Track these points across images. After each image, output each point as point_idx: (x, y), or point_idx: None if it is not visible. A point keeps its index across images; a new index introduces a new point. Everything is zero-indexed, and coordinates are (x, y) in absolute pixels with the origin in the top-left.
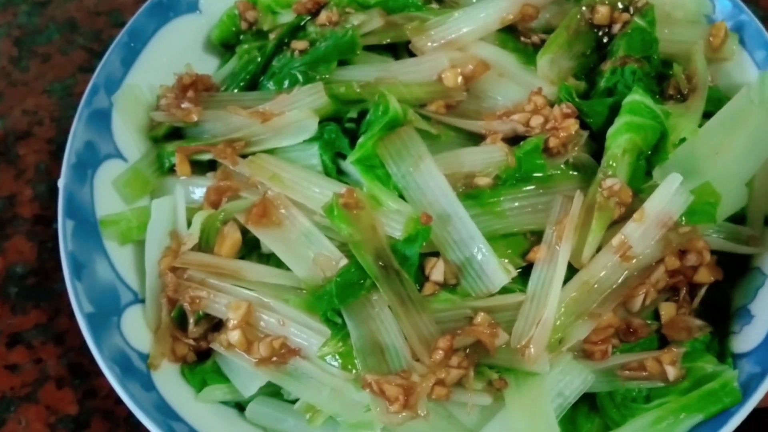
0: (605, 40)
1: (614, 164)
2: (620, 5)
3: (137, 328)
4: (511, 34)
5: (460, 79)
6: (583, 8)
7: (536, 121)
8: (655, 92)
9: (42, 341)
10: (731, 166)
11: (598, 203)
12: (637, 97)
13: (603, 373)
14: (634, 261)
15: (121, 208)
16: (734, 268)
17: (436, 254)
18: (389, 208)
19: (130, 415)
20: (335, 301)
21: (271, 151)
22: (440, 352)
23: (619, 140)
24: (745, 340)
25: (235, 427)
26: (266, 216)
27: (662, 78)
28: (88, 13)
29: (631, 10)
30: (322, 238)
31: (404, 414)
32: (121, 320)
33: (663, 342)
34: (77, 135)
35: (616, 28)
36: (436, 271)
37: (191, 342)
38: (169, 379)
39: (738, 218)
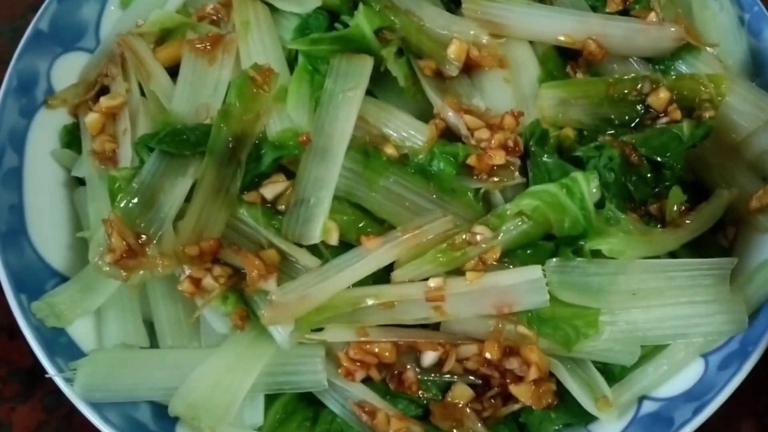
0: (647, 123)
1: (499, 219)
2: (685, 103)
3: (67, 71)
4: (564, 59)
5: (463, 56)
6: (645, 82)
7: (481, 134)
8: (631, 196)
9: None
10: (639, 316)
11: (452, 240)
12: (580, 178)
13: (337, 389)
14: (447, 317)
15: None
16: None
17: (292, 176)
18: (288, 109)
19: None
20: (155, 141)
21: (275, 9)
22: (196, 248)
23: (523, 202)
24: None
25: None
26: (210, 50)
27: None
28: None
29: (694, 115)
30: (222, 96)
31: (112, 268)
32: (62, 55)
33: (427, 415)
34: None
35: (663, 120)
36: (272, 188)
37: (91, 104)
38: (44, 125)
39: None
